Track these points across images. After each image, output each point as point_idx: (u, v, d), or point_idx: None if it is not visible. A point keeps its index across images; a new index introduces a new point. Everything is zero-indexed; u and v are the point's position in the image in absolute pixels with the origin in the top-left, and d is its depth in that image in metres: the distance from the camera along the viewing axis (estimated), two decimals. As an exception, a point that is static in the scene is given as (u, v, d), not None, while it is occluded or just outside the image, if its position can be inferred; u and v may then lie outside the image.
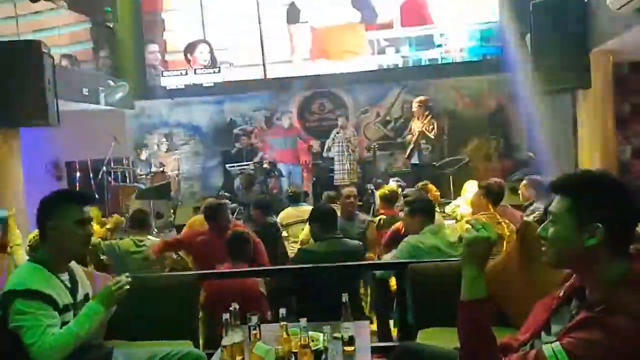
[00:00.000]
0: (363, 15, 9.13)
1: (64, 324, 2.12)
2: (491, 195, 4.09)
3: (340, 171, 8.21)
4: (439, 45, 8.96)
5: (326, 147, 8.62)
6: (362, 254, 3.66)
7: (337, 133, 8.39)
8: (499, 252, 2.86)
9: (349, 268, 3.31)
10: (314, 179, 8.75)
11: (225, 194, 7.92)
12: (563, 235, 1.46)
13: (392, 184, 6.19)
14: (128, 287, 2.24)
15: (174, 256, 4.35)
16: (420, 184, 5.68)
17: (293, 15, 9.30)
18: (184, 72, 9.46)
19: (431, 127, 7.49)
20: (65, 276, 2.25)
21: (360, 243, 3.68)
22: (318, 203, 7.24)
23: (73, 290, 2.25)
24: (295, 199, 5.73)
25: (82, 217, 2.23)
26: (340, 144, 8.30)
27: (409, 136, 7.95)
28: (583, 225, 1.42)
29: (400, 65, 9.08)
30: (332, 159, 8.44)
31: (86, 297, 2.32)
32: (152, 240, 4.26)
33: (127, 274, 2.33)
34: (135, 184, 8.17)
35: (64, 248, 2.22)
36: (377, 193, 5.15)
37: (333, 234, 3.52)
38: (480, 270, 1.56)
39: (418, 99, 7.80)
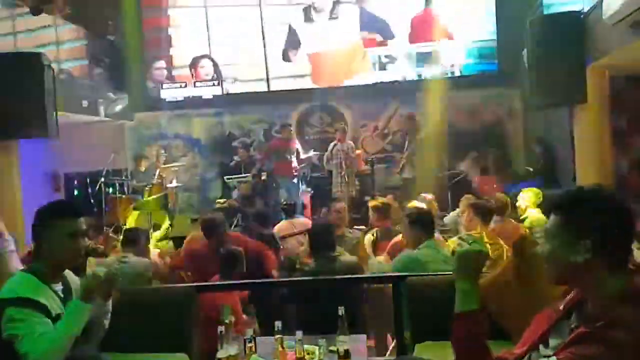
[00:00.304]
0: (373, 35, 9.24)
1: None
2: (479, 214, 4.07)
3: (338, 184, 8.22)
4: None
5: (325, 159, 8.64)
6: (359, 272, 3.57)
7: (335, 146, 8.41)
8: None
9: (343, 281, 3.29)
10: (312, 191, 8.74)
11: (235, 201, 7.82)
12: (556, 252, 1.49)
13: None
14: (105, 277, 2.20)
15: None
16: (422, 194, 5.69)
17: (292, 41, 9.40)
18: (183, 85, 9.51)
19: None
20: (58, 286, 2.25)
21: (356, 261, 3.61)
22: (314, 217, 7.25)
23: (66, 300, 2.24)
24: (289, 211, 5.73)
25: (75, 229, 2.23)
26: (339, 156, 8.31)
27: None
28: (573, 242, 1.44)
29: (399, 80, 9.14)
30: (331, 171, 8.45)
31: None
32: (135, 258, 4.14)
33: (101, 268, 2.36)
34: (133, 196, 8.16)
35: (57, 260, 2.23)
36: (370, 205, 5.13)
37: (328, 251, 3.48)
38: (473, 283, 1.58)
39: (405, 113, 7.87)
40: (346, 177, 8.18)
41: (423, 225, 3.49)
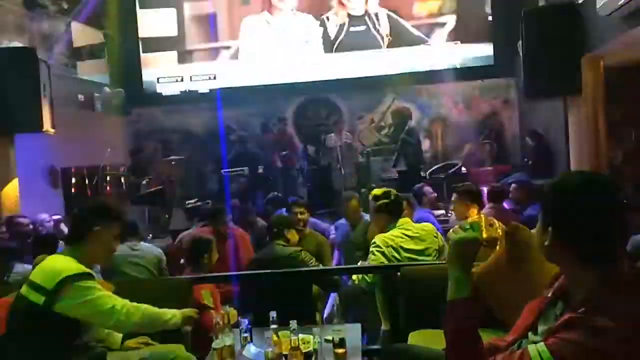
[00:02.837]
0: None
1: None
2: (470, 197, 4.10)
3: (338, 176, 8.15)
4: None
5: (321, 153, 8.63)
6: (297, 260, 3.58)
7: (333, 138, 8.35)
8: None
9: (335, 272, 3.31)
10: (309, 184, 8.75)
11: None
12: (536, 236, 1.52)
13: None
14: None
15: None
16: (417, 186, 5.69)
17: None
18: (179, 79, 9.50)
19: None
20: None
21: (296, 249, 3.64)
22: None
23: None
24: (277, 205, 5.77)
25: (119, 233, 2.44)
26: (338, 149, 8.29)
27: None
28: (542, 227, 1.47)
29: (395, 72, 9.15)
30: (328, 164, 8.44)
31: None
32: (146, 245, 4.27)
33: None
34: (131, 190, 8.17)
35: (96, 254, 2.40)
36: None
37: (273, 240, 3.67)
38: (466, 270, 1.58)
39: (401, 106, 7.86)
40: (345, 169, 8.09)
41: (390, 210, 3.59)
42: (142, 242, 4.24)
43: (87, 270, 2.26)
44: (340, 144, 8.34)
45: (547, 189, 1.50)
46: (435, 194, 6.04)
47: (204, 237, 3.90)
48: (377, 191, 3.75)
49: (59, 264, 2.27)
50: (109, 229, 2.38)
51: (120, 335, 2.61)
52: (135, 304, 2.28)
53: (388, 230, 3.52)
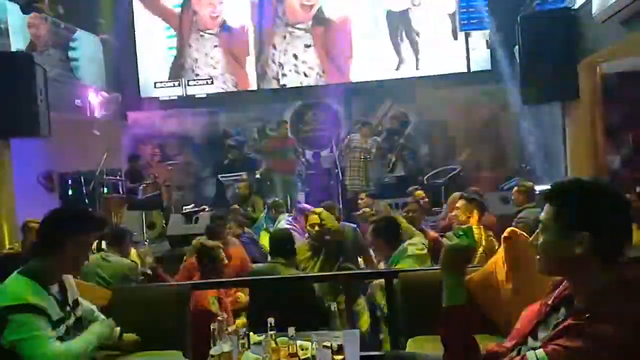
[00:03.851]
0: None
1: (58, 338, 2.09)
2: (476, 205, 4.08)
3: (355, 177, 7.98)
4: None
5: (320, 157, 8.61)
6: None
7: (354, 139, 8.15)
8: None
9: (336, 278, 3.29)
10: (307, 189, 8.73)
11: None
12: (551, 243, 1.45)
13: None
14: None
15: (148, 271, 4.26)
16: (410, 188, 5.71)
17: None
18: (177, 84, 9.49)
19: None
20: (55, 288, 2.22)
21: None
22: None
23: (63, 301, 2.23)
24: (276, 211, 5.75)
25: (92, 242, 2.30)
26: (335, 154, 8.25)
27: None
28: (570, 233, 1.41)
29: (393, 77, 9.16)
30: (328, 169, 8.41)
31: (75, 303, 2.32)
32: (116, 258, 4.06)
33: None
34: (128, 195, 8.14)
35: (65, 266, 2.21)
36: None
37: (282, 259, 3.47)
38: (459, 277, 1.58)
39: (399, 111, 7.83)
40: (362, 172, 7.92)
41: (387, 235, 3.49)
42: (112, 254, 4.04)
43: (32, 301, 2.02)
44: (337, 150, 8.31)
45: (577, 193, 1.44)
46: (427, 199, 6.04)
47: (211, 242, 3.82)
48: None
49: (8, 287, 2.09)
50: (81, 237, 2.19)
51: (118, 329, 2.54)
52: (64, 346, 2.07)
53: None
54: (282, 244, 3.57)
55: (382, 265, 3.70)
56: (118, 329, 2.55)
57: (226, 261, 3.64)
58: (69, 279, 2.35)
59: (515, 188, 5.11)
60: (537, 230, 1.54)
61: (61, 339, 2.12)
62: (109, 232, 4.36)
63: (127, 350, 2.55)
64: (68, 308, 2.25)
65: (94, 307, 2.56)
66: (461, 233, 1.62)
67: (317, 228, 3.91)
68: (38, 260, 2.18)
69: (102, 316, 2.55)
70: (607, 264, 1.39)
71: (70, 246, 2.15)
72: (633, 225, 1.46)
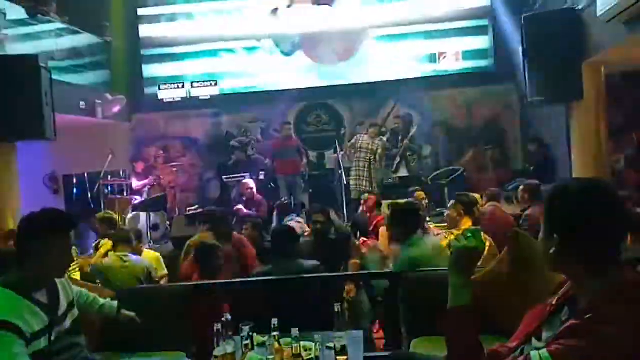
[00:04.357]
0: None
1: (38, 351, 2.00)
2: (463, 207, 4.09)
3: (360, 177, 7.92)
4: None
5: (324, 158, 8.60)
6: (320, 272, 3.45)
7: (362, 139, 8.09)
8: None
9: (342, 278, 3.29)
10: (310, 190, 8.73)
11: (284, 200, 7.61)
12: (540, 241, 1.49)
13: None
14: None
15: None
16: (411, 189, 5.71)
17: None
18: (180, 85, 9.52)
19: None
20: (42, 293, 2.13)
21: (317, 264, 3.47)
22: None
23: (53, 306, 2.15)
24: (282, 212, 5.74)
25: (68, 244, 2.14)
26: (339, 155, 8.23)
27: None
28: (547, 233, 1.45)
29: (396, 78, 9.17)
30: (331, 169, 8.39)
31: (70, 305, 2.26)
32: (135, 257, 4.12)
33: None
34: (132, 197, 8.17)
35: (43, 273, 2.12)
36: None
37: (285, 255, 3.40)
38: (466, 278, 1.58)
39: (403, 112, 7.82)
40: (367, 172, 7.87)
41: (407, 220, 3.46)
42: (130, 255, 4.06)
43: (1, 317, 1.91)
44: (341, 151, 8.29)
45: (550, 196, 1.48)
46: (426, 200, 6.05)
47: (210, 242, 3.83)
48: None
49: None
50: (60, 241, 2.09)
51: (115, 303, 2.55)
52: None
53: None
54: (282, 240, 3.52)
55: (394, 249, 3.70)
56: (116, 302, 2.55)
57: (222, 262, 3.63)
58: (63, 281, 2.28)
59: (521, 187, 5.10)
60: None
61: (44, 351, 2.04)
62: (117, 234, 4.39)
63: (125, 324, 2.55)
64: (60, 312, 2.18)
65: (95, 295, 2.57)
66: (469, 234, 1.61)
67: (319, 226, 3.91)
68: (20, 269, 2.11)
69: (102, 301, 2.56)
70: (593, 266, 1.39)
71: (45, 250, 2.07)
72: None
